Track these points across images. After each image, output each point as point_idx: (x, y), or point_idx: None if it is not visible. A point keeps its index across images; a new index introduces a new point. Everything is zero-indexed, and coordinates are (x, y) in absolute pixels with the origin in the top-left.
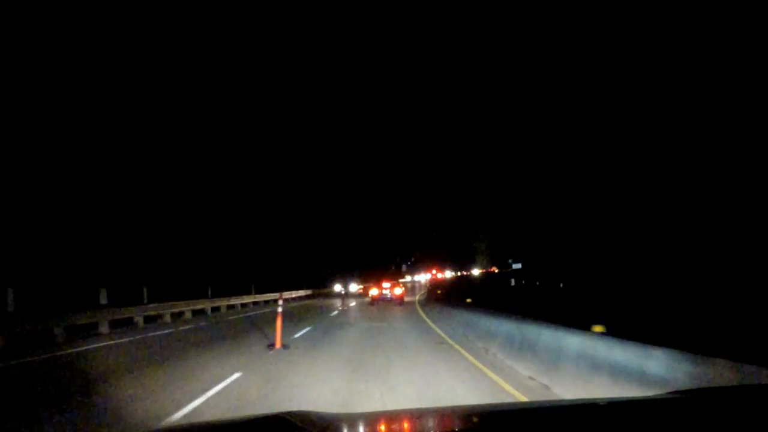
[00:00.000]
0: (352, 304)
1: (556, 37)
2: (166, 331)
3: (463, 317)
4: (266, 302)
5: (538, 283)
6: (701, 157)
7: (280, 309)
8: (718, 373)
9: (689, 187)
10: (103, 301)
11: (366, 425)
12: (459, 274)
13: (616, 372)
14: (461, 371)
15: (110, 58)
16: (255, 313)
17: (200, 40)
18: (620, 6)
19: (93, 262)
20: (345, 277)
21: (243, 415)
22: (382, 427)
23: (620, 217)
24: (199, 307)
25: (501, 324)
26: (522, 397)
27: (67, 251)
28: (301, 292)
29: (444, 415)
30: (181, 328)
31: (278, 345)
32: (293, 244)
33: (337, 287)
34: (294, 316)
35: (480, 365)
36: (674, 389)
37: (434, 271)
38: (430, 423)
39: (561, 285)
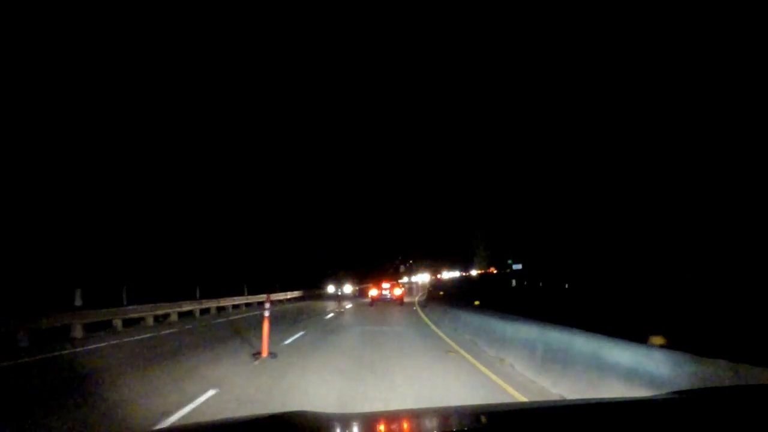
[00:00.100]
0: (349, 305)
1: (556, 38)
2: (145, 336)
3: (471, 321)
4: (259, 304)
5: (541, 284)
6: (701, 154)
7: (267, 313)
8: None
9: (691, 184)
10: (78, 302)
11: (366, 425)
12: (460, 274)
13: None
14: (478, 388)
15: (107, 56)
16: (246, 315)
17: (200, 41)
18: (620, 6)
19: (68, 260)
20: (339, 278)
21: (243, 415)
22: (382, 427)
23: (623, 216)
24: (185, 309)
25: (518, 330)
26: None
27: (40, 249)
28: (296, 293)
29: (444, 415)
30: (164, 332)
31: (265, 353)
32: (288, 243)
33: (331, 288)
34: (286, 320)
35: (500, 381)
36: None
37: (438, 274)
38: (430, 423)
39: (566, 286)
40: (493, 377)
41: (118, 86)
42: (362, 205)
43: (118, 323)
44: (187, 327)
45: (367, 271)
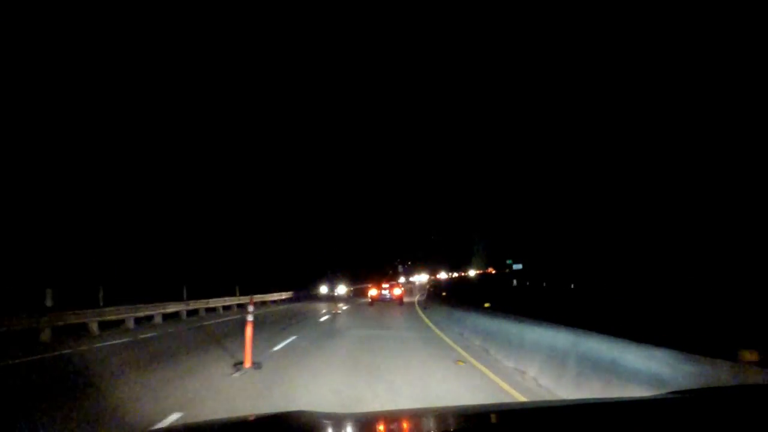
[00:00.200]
0: (345, 307)
1: (555, 39)
2: (120, 341)
3: (480, 325)
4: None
5: (544, 284)
6: (702, 153)
7: (250, 317)
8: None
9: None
10: (49, 303)
11: (366, 425)
12: (458, 275)
13: None
14: None
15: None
16: (237, 317)
17: (200, 41)
18: (619, 6)
19: (40, 257)
20: (335, 279)
21: (243, 415)
22: (382, 427)
23: (625, 215)
24: (170, 310)
25: (541, 336)
26: None
27: (7, 245)
28: (290, 294)
29: (444, 415)
30: (143, 336)
31: (247, 364)
32: (284, 243)
33: (323, 289)
34: (277, 323)
35: (525, 400)
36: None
37: (437, 274)
38: (430, 423)
39: (572, 286)
40: (516, 394)
41: (102, 80)
42: (360, 206)
43: (93, 326)
44: (169, 330)
45: (367, 272)
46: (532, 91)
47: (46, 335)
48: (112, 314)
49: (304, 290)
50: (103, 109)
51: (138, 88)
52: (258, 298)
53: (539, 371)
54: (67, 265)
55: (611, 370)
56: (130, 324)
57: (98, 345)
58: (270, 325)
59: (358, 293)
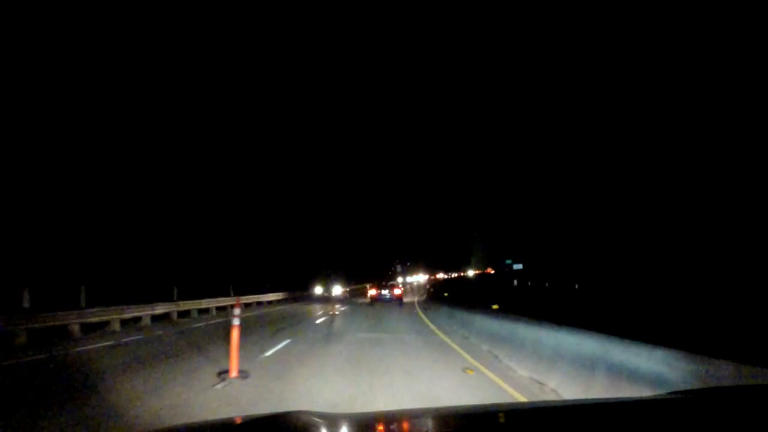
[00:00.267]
0: (343, 308)
1: (555, 38)
2: (102, 344)
3: (487, 328)
4: (247, 305)
5: (547, 285)
6: (702, 152)
7: (236, 321)
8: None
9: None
10: (26, 304)
11: (366, 425)
12: (456, 275)
13: None
14: None
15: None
16: (230, 319)
17: (201, 41)
18: (619, 6)
19: (17, 257)
20: (332, 279)
21: (243, 415)
22: (382, 428)
23: (627, 214)
24: (159, 311)
25: (561, 342)
26: None
27: None
28: (285, 295)
29: (444, 415)
30: (127, 339)
31: (233, 373)
32: (281, 243)
33: (318, 290)
34: (270, 325)
35: None
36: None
37: (436, 274)
38: (430, 423)
39: (576, 286)
40: None
41: (95, 79)
42: (359, 206)
43: (74, 328)
44: (157, 333)
45: (365, 273)
46: (532, 92)
47: (22, 338)
48: (95, 316)
49: (301, 291)
50: (91, 104)
51: (129, 87)
52: (252, 298)
53: (560, 382)
54: (47, 264)
55: (654, 383)
56: (116, 326)
57: (76, 349)
58: (262, 328)
59: (357, 293)
